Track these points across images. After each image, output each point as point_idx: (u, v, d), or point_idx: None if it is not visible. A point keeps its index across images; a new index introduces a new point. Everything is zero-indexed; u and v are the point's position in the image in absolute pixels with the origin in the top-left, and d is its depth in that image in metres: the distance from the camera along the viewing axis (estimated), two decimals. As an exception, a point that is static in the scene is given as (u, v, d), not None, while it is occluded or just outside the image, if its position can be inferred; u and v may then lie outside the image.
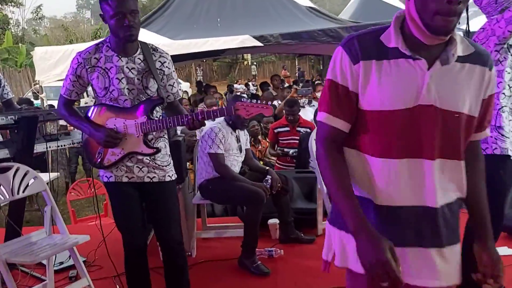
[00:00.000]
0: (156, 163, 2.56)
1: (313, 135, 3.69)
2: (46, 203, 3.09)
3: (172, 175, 2.64)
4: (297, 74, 21.57)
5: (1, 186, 2.90)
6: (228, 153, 3.64)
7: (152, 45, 2.56)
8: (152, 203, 2.63)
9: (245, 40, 6.83)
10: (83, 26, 37.16)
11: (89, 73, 2.45)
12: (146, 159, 2.52)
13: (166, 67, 2.55)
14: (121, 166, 2.52)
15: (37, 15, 32.03)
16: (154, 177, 2.56)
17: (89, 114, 2.55)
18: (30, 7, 34.18)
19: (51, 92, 12.44)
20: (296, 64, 26.46)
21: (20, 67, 21.03)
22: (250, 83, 19.79)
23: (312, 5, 8.80)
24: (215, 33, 7.04)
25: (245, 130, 3.97)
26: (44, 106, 7.48)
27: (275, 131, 5.68)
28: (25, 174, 3.03)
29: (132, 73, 2.45)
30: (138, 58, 2.47)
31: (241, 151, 3.80)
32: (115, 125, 2.48)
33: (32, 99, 12.14)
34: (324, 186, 3.04)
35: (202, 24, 7.75)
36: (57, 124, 3.60)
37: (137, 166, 2.53)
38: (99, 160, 2.50)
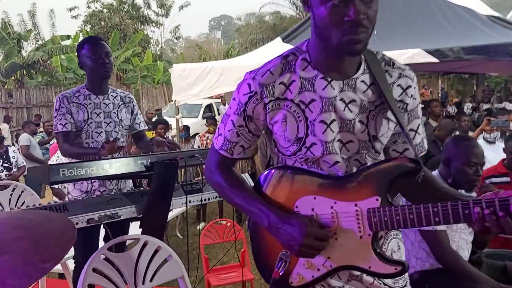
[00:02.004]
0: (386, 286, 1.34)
1: None
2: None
3: None
4: (440, 95, 19.20)
5: (122, 274, 1.92)
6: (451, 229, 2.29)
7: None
8: None
9: (416, 55, 5.55)
10: (215, 45, 38.42)
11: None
12: (371, 278, 1.32)
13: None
14: None
15: (174, 34, 33.66)
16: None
17: (262, 182, 1.42)
18: (168, 27, 35.89)
19: (184, 109, 11.85)
20: (440, 83, 23.92)
21: (157, 84, 21.84)
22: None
23: (494, 13, 7.10)
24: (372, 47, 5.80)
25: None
26: (180, 126, 6.80)
27: (489, 181, 3.93)
28: (156, 252, 2.03)
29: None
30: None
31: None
32: (314, 210, 1.31)
33: (166, 117, 12.07)
34: None
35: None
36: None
37: None
38: (281, 272, 1.32)
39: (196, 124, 12.72)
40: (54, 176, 2.02)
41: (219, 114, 14.39)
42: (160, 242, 2.04)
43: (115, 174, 2.20)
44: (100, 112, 2.72)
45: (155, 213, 2.22)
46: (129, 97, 2.91)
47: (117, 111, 2.78)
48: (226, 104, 14.61)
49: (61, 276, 3.38)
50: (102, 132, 2.70)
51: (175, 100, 6.41)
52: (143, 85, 20.40)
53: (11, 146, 6.18)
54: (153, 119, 11.60)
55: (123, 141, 2.79)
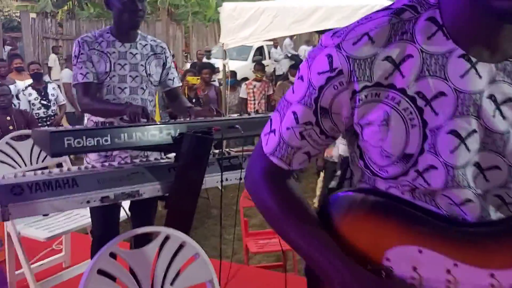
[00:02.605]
0: None
1: None
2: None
3: None
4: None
5: (138, 276, 1.51)
6: None
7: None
8: None
9: None
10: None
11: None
12: None
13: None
14: None
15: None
16: None
17: (333, 208, 0.87)
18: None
19: (233, 51, 11.06)
20: None
21: (208, 21, 21.09)
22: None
23: None
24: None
25: None
26: (226, 72, 6.29)
27: None
28: (179, 249, 1.60)
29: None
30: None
31: None
32: (417, 270, 0.78)
33: (215, 58, 11.50)
34: None
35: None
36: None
37: None
38: None
39: (245, 67, 12.12)
40: (56, 146, 1.60)
41: (269, 58, 13.64)
42: (185, 237, 1.61)
43: (134, 145, 1.75)
44: (125, 64, 2.25)
45: (182, 198, 1.78)
46: (161, 46, 2.41)
47: (145, 63, 2.31)
48: (279, 47, 13.77)
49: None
50: (126, 88, 2.25)
51: (223, 43, 5.87)
52: (193, 22, 19.74)
53: (51, 83, 5.89)
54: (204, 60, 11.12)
55: (152, 100, 2.34)
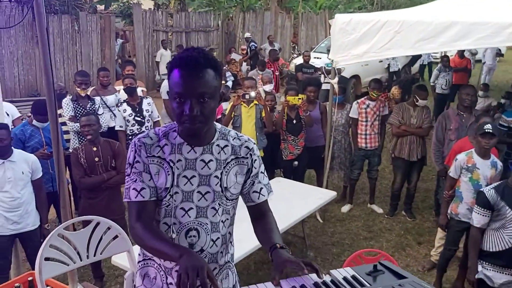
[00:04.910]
0: None
1: None
2: None
3: None
4: None
5: None
6: None
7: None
8: None
9: None
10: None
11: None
12: None
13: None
14: None
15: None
16: None
17: None
18: None
19: None
20: None
21: (318, 9, 20.13)
22: None
23: None
24: None
25: None
26: (334, 89, 5.46)
27: None
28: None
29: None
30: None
31: None
32: None
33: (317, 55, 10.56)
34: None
35: None
36: None
37: None
38: None
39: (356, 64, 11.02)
40: None
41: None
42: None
43: None
44: (193, 176, 1.69)
45: None
46: (246, 147, 1.79)
47: (221, 173, 1.73)
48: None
49: None
50: (191, 209, 1.68)
51: (332, 60, 5.08)
52: (304, 10, 18.91)
53: (146, 98, 5.59)
54: (311, 62, 10.30)
55: (227, 220, 1.78)
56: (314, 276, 1.58)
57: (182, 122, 1.59)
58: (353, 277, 1.61)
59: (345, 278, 1.60)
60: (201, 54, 1.56)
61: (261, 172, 1.82)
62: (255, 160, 1.79)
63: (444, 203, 4.12)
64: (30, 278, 3.03)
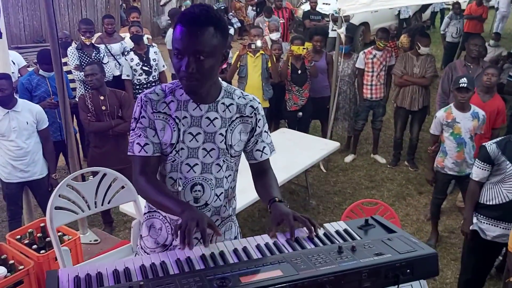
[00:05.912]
0: None
1: None
2: None
3: None
4: None
5: None
6: None
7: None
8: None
9: None
10: None
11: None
12: None
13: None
14: None
15: None
16: None
17: None
18: None
19: None
20: None
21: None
22: None
23: None
24: None
25: None
26: (341, 39, 5.39)
27: None
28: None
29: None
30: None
31: None
32: None
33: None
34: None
35: None
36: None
37: None
38: None
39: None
40: None
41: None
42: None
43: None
44: (199, 133, 1.73)
45: None
46: (251, 106, 1.80)
47: (226, 131, 1.76)
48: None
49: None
50: (197, 165, 1.74)
51: (339, 9, 4.99)
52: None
53: (152, 47, 5.55)
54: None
55: (229, 176, 1.83)
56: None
57: (180, 78, 1.62)
58: (345, 230, 1.69)
59: (337, 232, 1.68)
60: (203, 12, 1.55)
61: (265, 131, 1.85)
62: (259, 119, 1.82)
63: (430, 158, 4.37)
64: (42, 224, 3.19)
